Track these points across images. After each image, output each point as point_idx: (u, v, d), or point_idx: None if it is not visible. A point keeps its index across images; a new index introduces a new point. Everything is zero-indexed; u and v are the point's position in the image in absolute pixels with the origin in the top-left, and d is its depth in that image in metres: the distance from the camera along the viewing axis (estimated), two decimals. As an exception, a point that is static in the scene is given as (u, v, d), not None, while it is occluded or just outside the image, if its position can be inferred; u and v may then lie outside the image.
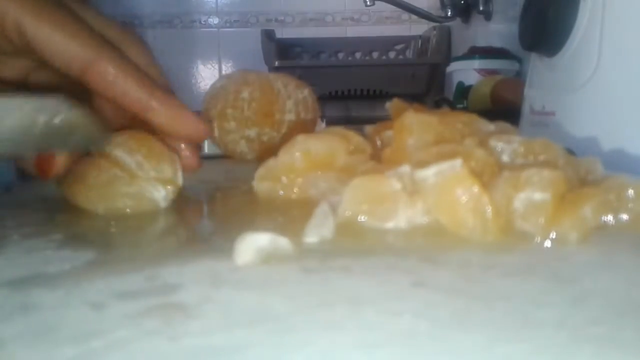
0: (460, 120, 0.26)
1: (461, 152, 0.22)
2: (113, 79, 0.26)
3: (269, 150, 0.29)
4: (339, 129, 0.29)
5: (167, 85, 0.30)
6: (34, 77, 0.30)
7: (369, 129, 0.32)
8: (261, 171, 0.27)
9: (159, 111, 0.26)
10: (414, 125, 0.24)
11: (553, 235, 0.20)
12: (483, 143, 0.24)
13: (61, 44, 0.25)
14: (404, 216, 0.21)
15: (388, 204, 0.21)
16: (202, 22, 1.51)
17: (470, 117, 0.27)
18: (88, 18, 0.27)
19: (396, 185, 0.21)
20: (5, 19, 0.24)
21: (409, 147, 0.24)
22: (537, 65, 0.49)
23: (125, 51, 0.28)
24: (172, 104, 0.27)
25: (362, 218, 0.22)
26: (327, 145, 0.26)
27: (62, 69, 0.26)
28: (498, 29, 1.06)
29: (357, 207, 0.22)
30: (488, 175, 0.22)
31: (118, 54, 0.26)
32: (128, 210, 0.26)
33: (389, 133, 0.27)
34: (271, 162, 0.27)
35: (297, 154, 0.26)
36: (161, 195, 0.26)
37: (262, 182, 0.27)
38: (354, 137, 0.28)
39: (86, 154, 0.27)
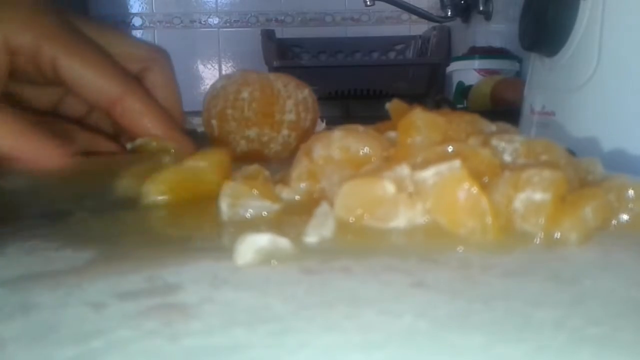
0: (464, 120, 0.26)
1: (467, 151, 0.22)
2: (137, 115, 0.28)
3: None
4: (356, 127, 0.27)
5: (181, 117, 0.33)
6: (63, 106, 0.32)
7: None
8: (299, 170, 0.26)
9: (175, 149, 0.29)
10: (422, 123, 0.24)
11: (553, 235, 0.20)
12: (485, 143, 0.24)
13: (91, 81, 0.27)
14: (404, 217, 0.21)
15: (383, 208, 0.21)
16: (202, 22, 1.51)
17: (473, 117, 0.27)
18: (116, 42, 0.29)
19: (390, 188, 0.21)
20: (40, 53, 0.26)
21: (415, 145, 0.24)
22: (537, 65, 0.49)
23: (151, 77, 0.31)
24: (186, 146, 0.30)
25: (356, 220, 0.22)
26: (364, 144, 0.25)
27: (91, 103, 0.28)
28: (498, 29, 1.06)
29: (350, 213, 0.22)
30: (491, 175, 0.22)
31: (142, 92, 0.29)
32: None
33: (391, 134, 0.27)
34: (305, 162, 0.26)
35: (337, 150, 0.25)
36: None
37: (300, 183, 0.25)
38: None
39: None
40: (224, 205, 0.23)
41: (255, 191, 0.24)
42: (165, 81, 0.32)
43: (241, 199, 0.23)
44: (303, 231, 0.20)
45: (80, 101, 0.31)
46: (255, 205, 0.24)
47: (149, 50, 0.32)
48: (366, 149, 0.25)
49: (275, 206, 0.24)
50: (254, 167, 0.27)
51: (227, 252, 0.18)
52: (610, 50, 0.39)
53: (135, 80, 0.30)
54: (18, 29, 0.26)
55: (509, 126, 0.28)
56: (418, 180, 0.21)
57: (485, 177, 0.22)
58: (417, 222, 0.22)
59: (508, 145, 0.24)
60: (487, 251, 0.19)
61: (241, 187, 0.24)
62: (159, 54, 0.32)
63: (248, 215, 0.23)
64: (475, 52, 1.01)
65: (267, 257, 0.18)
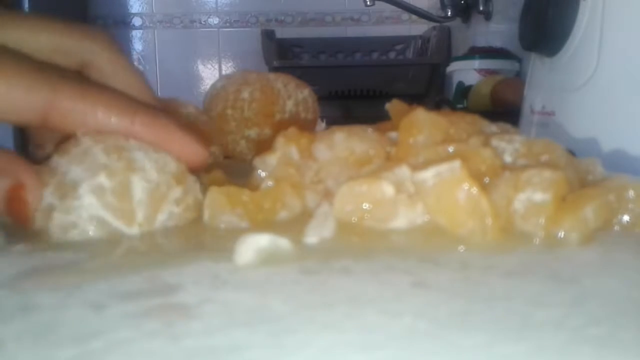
0: (464, 120, 0.26)
1: (468, 152, 0.22)
2: (80, 115, 0.21)
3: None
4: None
5: (150, 94, 0.26)
6: None
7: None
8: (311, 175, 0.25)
9: (144, 135, 0.23)
10: (424, 123, 0.24)
11: (554, 236, 0.20)
12: (486, 143, 0.24)
13: (6, 97, 0.20)
14: (404, 217, 0.21)
15: (383, 208, 0.21)
16: (202, 22, 1.51)
17: (473, 117, 0.27)
18: (38, 33, 0.23)
19: (388, 189, 0.21)
20: None
21: (417, 145, 0.24)
22: (537, 65, 0.49)
23: (93, 63, 0.24)
24: (157, 125, 0.23)
25: (356, 221, 0.22)
26: (367, 145, 0.25)
27: (21, 123, 0.22)
28: (498, 29, 1.06)
29: (349, 214, 0.22)
30: (492, 175, 0.22)
31: (78, 84, 0.22)
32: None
33: (392, 134, 0.27)
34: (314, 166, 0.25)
35: (343, 154, 0.24)
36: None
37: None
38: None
39: None
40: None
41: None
42: (111, 57, 0.25)
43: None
44: (303, 231, 0.20)
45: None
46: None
47: (82, 35, 0.24)
48: (367, 149, 0.25)
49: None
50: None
51: (227, 252, 0.18)
52: (610, 50, 0.39)
53: (64, 71, 0.23)
54: None
55: (509, 126, 0.28)
56: (418, 181, 0.21)
57: (486, 177, 0.22)
58: (417, 222, 0.22)
59: (508, 146, 0.24)
60: (487, 251, 0.19)
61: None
62: (95, 36, 0.25)
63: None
64: (475, 52, 1.01)
65: (267, 258, 0.18)
